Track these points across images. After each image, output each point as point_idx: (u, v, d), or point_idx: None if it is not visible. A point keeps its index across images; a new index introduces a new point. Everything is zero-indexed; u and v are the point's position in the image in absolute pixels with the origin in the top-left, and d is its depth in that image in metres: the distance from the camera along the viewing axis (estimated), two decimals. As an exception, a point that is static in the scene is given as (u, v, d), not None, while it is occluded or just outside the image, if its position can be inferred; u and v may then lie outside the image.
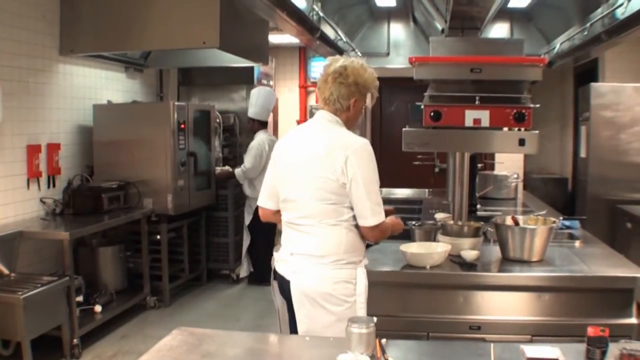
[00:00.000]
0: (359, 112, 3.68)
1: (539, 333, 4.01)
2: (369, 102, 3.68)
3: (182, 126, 8.15)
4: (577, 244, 5.10)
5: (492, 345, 2.89)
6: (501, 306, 4.11)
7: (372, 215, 3.43)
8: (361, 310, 3.41)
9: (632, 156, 9.01)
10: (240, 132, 10.49)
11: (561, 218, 5.57)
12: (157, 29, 7.17)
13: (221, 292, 9.07)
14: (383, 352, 2.68)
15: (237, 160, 10.51)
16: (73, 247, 6.73)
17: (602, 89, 9.23)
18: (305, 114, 13.05)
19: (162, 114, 8.00)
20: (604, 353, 2.65)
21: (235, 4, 7.09)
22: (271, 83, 11.89)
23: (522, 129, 4.63)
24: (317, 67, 12.90)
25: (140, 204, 7.96)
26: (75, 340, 6.38)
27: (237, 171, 9.09)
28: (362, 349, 2.61)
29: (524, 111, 4.58)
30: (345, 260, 3.45)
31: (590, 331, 2.68)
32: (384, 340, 2.79)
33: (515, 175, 7.87)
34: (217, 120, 9.71)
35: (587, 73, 11.03)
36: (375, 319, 2.79)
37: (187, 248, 8.93)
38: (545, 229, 4.36)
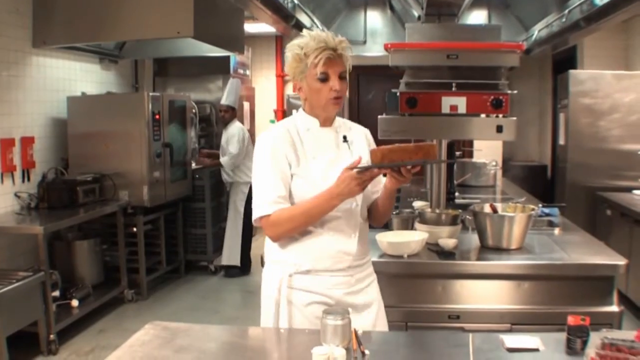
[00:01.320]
0: (314, 89, 3.13)
1: (518, 322, 3.98)
2: (319, 70, 3.05)
3: (157, 117, 8.09)
4: (556, 231, 5.06)
5: (470, 335, 2.85)
6: (480, 295, 4.07)
7: (254, 210, 3.20)
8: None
9: (611, 143, 9.00)
10: (217, 122, 10.44)
11: (540, 205, 5.54)
12: (130, 19, 7.09)
13: (199, 284, 9.03)
14: (359, 343, 2.63)
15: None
16: (48, 241, 6.71)
17: (581, 76, 9.21)
18: (283, 103, 13.04)
19: (136, 105, 7.95)
20: (585, 342, 2.60)
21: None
22: (248, 72, 11.83)
23: (500, 115, 4.59)
24: (294, 57, 12.84)
25: (116, 196, 7.91)
26: (52, 336, 6.33)
27: (225, 160, 9.17)
28: (337, 341, 2.56)
29: (501, 97, 4.53)
30: (269, 260, 3.34)
31: (571, 320, 2.63)
32: (360, 331, 2.74)
33: (494, 163, 7.86)
34: (193, 111, 9.65)
35: (566, 60, 11.04)
36: (350, 310, 2.74)
37: (164, 240, 8.88)
38: (524, 217, 4.31)
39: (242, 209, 9.16)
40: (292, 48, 3.13)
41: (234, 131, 9.26)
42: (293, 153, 3.15)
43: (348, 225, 3.16)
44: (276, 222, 3.11)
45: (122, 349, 2.71)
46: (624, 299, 7.15)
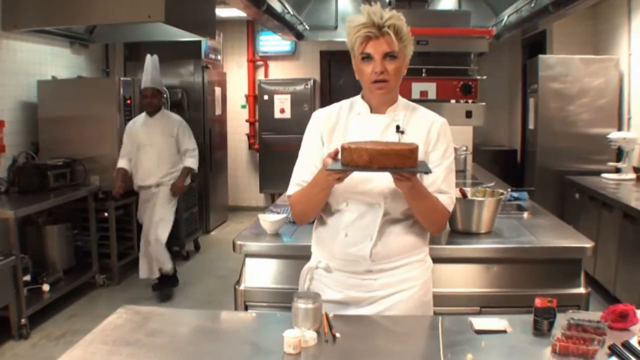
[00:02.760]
0: (358, 70, 2.97)
1: (488, 304, 4.02)
2: (359, 49, 2.89)
3: (129, 102, 8.08)
4: (525, 215, 5.11)
5: (440, 318, 2.89)
6: (450, 278, 4.10)
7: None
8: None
9: (580, 127, 9.10)
10: (189, 107, 10.43)
11: (509, 190, 5.58)
12: (101, 2, 7.01)
13: (171, 269, 8.98)
14: (330, 327, 2.65)
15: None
16: (19, 226, 6.70)
17: (550, 61, 9.29)
18: (254, 88, 13.02)
19: (107, 90, 7.97)
20: (551, 324, 2.65)
21: (181, -24, 7.00)
22: (219, 57, 11.83)
23: (469, 101, 4.63)
24: (266, 41, 12.99)
25: (87, 181, 7.90)
26: (23, 320, 6.34)
27: (193, 163, 8.06)
28: (308, 325, 2.59)
29: (470, 83, 4.58)
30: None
31: (538, 302, 2.67)
32: (331, 315, 2.77)
33: (464, 148, 7.89)
34: (165, 96, 9.61)
35: (536, 45, 11.12)
36: (321, 295, 2.76)
37: (136, 225, 8.77)
38: (493, 201, 4.36)
39: (174, 205, 8.06)
40: (347, 22, 2.95)
41: (183, 122, 8.09)
42: (329, 135, 3.03)
43: (364, 226, 2.97)
44: (292, 204, 3.14)
45: (94, 333, 2.71)
46: (591, 281, 7.25)
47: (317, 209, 3.04)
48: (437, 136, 3.02)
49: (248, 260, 4.23)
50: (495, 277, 4.11)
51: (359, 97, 3.10)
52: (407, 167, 2.61)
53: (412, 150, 2.63)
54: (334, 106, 3.13)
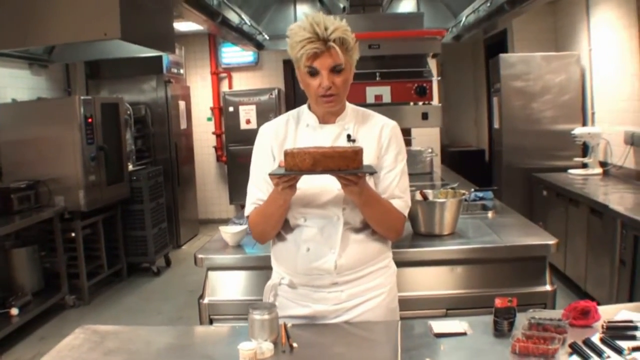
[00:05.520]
0: (304, 83, 2.89)
1: (454, 306, 4.02)
2: (304, 63, 2.78)
3: (90, 120, 8.01)
4: (489, 214, 5.11)
5: (399, 322, 2.89)
6: (414, 281, 4.09)
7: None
8: None
9: (544, 124, 9.13)
10: (153, 122, 10.40)
11: (472, 190, 5.58)
12: (56, 22, 6.91)
13: (142, 286, 8.97)
14: (288, 337, 2.63)
15: (152, 151, 10.45)
16: None
17: (511, 60, 9.32)
18: (219, 100, 12.97)
19: (67, 110, 7.88)
20: (511, 324, 2.64)
21: (135, -8, 6.96)
22: (182, 71, 11.77)
23: (425, 102, 4.63)
24: (228, 54, 13.00)
25: (52, 202, 7.80)
26: (-9, 346, 6.23)
27: None
28: (265, 336, 2.56)
29: (425, 85, 4.57)
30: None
31: (498, 302, 2.66)
32: (289, 325, 2.74)
33: (430, 150, 7.90)
34: (128, 112, 9.58)
35: (497, 45, 11.16)
36: (277, 304, 2.73)
37: (105, 243, 8.75)
38: (455, 202, 4.35)
39: None
40: (288, 33, 2.84)
41: None
42: (279, 149, 2.89)
43: (325, 240, 2.88)
44: (251, 224, 3.01)
45: (51, 354, 2.68)
46: (562, 277, 7.28)
47: (277, 227, 2.95)
48: (388, 140, 2.97)
49: (211, 274, 4.21)
50: (460, 279, 4.12)
51: (305, 107, 3.03)
52: (351, 169, 2.56)
53: (356, 152, 2.58)
54: (281, 119, 3.06)
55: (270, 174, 2.63)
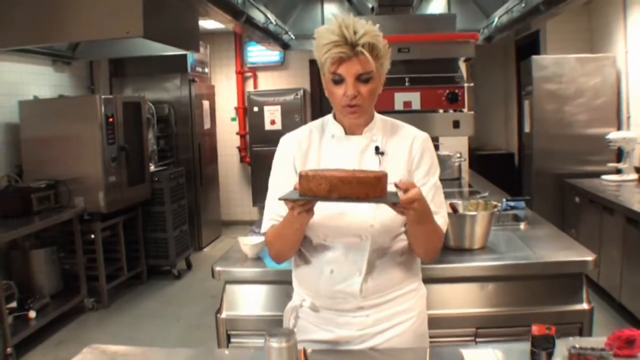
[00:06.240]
0: (328, 91, 2.68)
1: (484, 325, 3.80)
2: (329, 69, 2.57)
3: (111, 120, 7.91)
4: (522, 226, 4.89)
5: (427, 350, 2.69)
6: (443, 299, 3.88)
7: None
8: None
9: (577, 128, 8.91)
10: (176, 122, 10.29)
11: (504, 200, 5.36)
12: (79, 19, 6.85)
13: (162, 290, 8.84)
14: (308, 365, 2.44)
15: (174, 152, 10.35)
16: (4, 251, 6.67)
17: (544, 62, 9.11)
18: (243, 100, 12.84)
19: (89, 108, 7.78)
20: (550, 354, 2.42)
21: (158, -11, 6.85)
22: (206, 70, 11.66)
23: (457, 109, 4.42)
24: (254, 53, 12.86)
25: (72, 202, 7.70)
26: (9, 349, 6.17)
27: None
28: (283, 365, 2.37)
29: (457, 91, 4.36)
30: None
31: (535, 329, 2.44)
32: (309, 350, 2.55)
33: (459, 155, 7.70)
34: (150, 111, 9.46)
35: (529, 46, 10.95)
36: (296, 330, 2.55)
37: (125, 246, 8.65)
38: (486, 215, 4.13)
39: None
40: (315, 34, 2.60)
41: None
42: (302, 161, 2.73)
43: (351, 262, 2.67)
44: (267, 243, 2.80)
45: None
46: (596, 287, 7.07)
47: (295, 248, 2.74)
48: (420, 153, 2.76)
49: (229, 287, 4.02)
50: (490, 296, 3.89)
51: (330, 117, 2.82)
52: (372, 197, 2.31)
53: (379, 178, 2.32)
54: (304, 129, 2.85)
55: (281, 199, 2.40)
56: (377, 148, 2.72)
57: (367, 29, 2.51)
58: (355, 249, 2.66)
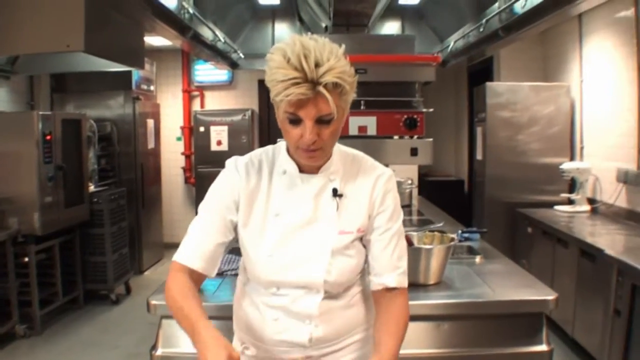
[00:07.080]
0: (282, 129, 2.31)
1: (439, 367, 3.57)
2: (285, 108, 2.21)
3: (49, 137, 7.60)
4: (477, 259, 4.67)
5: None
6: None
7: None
8: None
9: (530, 157, 8.81)
10: (119, 141, 9.99)
11: (459, 231, 5.14)
12: (18, 31, 6.57)
13: (99, 315, 8.47)
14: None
15: (116, 171, 10.06)
16: None
17: (499, 88, 8.98)
18: (190, 120, 12.62)
19: (25, 125, 7.47)
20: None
21: (102, 3, 6.57)
22: (152, 88, 11.38)
23: (414, 136, 4.20)
24: (201, 71, 12.65)
25: (5, 223, 7.36)
26: None
27: None
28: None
29: (415, 117, 4.15)
30: None
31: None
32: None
33: (410, 182, 7.51)
34: (92, 129, 9.15)
35: (482, 72, 10.92)
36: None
37: (61, 269, 8.25)
38: (442, 249, 3.90)
39: None
40: (268, 57, 2.23)
41: None
42: (247, 201, 2.41)
43: (300, 310, 2.40)
44: (166, 287, 2.36)
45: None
46: (548, 321, 6.88)
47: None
48: (382, 195, 2.48)
49: (165, 322, 3.75)
50: (446, 336, 3.67)
51: (283, 149, 2.48)
52: None
53: None
54: (254, 159, 2.49)
55: None
56: (334, 190, 2.44)
57: (332, 64, 2.15)
58: (306, 297, 2.41)
